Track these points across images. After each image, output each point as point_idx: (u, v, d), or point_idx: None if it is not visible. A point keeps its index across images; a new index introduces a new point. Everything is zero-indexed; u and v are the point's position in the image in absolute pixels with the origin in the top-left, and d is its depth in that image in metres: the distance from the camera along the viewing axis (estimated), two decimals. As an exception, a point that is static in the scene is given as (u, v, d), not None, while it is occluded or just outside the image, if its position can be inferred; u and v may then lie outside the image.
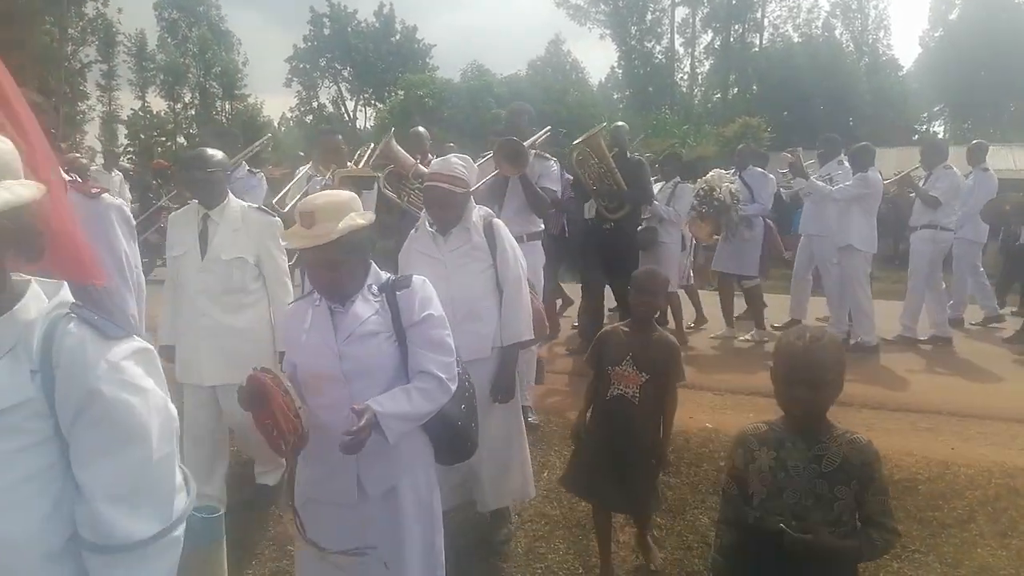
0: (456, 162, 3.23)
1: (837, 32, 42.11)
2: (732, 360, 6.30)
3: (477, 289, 3.28)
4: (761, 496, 2.09)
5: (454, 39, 68.65)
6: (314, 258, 2.19)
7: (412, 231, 3.48)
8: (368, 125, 41.37)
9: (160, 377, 1.35)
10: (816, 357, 2.00)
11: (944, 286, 7.28)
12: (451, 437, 2.47)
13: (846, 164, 6.92)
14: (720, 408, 5.02)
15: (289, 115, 49.85)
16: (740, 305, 7.25)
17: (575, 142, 5.84)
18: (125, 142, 39.93)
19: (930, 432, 4.66)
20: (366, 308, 2.28)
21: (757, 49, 42.51)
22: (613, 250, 5.84)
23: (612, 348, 3.23)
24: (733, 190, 6.67)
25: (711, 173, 6.91)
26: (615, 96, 44.45)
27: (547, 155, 4.98)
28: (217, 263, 3.48)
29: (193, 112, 44.42)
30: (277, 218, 3.69)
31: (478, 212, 3.35)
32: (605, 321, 6.01)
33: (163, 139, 40.66)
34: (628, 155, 6.07)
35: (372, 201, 5.03)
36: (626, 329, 3.29)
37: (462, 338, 2.96)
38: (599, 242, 5.95)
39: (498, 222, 3.40)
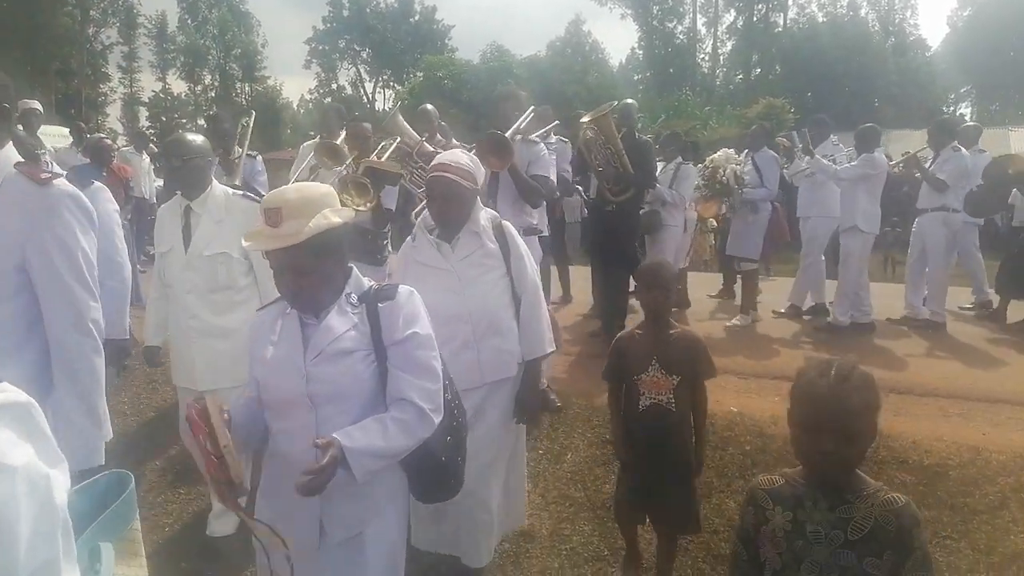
0: (463, 155, 2.95)
1: (863, 12, 41.52)
2: (757, 343, 6.22)
3: (495, 300, 2.94)
4: (775, 567, 1.75)
5: (473, 20, 68.31)
6: (281, 262, 1.90)
7: (408, 240, 3.10)
8: (387, 107, 41.31)
9: (41, 436, 0.92)
10: (846, 403, 1.61)
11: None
12: (433, 471, 2.14)
13: (841, 145, 6.98)
14: (745, 392, 4.97)
15: (308, 97, 49.93)
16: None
17: (583, 119, 5.60)
18: (146, 124, 40.24)
19: (961, 417, 4.58)
20: (342, 322, 1.97)
21: (781, 29, 41.95)
22: (614, 232, 5.72)
23: (633, 355, 2.97)
24: (739, 172, 6.53)
25: (719, 153, 6.80)
26: (635, 77, 44.14)
27: (535, 139, 4.59)
28: (200, 259, 3.18)
29: (213, 94, 44.69)
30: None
31: (486, 215, 3.01)
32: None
33: (183, 121, 40.92)
34: (636, 136, 5.89)
35: (393, 199, 4.82)
36: (641, 332, 3.02)
37: (486, 356, 2.90)
38: (600, 223, 5.83)
39: (508, 224, 3.05)
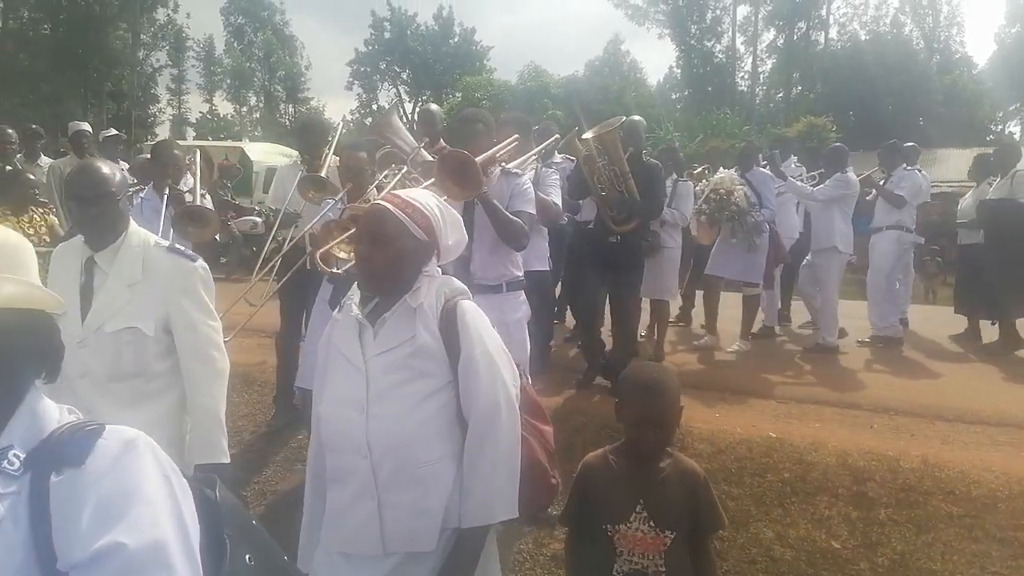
0: (430, 196, 2.09)
1: (907, 29, 40.77)
2: (795, 367, 6.10)
3: (415, 428, 1.91)
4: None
5: (512, 41, 69.13)
6: None
7: (336, 310, 2.17)
8: (426, 127, 41.74)
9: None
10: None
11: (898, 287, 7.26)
12: None
13: (794, 166, 7.19)
14: (784, 417, 4.85)
15: (349, 117, 50.83)
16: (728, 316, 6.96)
17: (584, 136, 4.98)
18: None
19: (1011, 447, 4.41)
20: None
21: (822, 47, 41.45)
22: (616, 268, 5.08)
23: (609, 495, 2.17)
24: (747, 194, 6.34)
25: (719, 174, 6.55)
26: (674, 96, 43.97)
27: (517, 171, 3.69)
28: (100, 336, 2.31)
29: (258, 115, 45.70)
30: (198, 262, 2.48)
31: (440, 287, 2.03)
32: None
33: (177, 141, 41.95)
34: (644, 158, 5.29)
35: None
36: (618, 459, 2.22)
37: (391, 514, 1.89)
38: (601, 257, 5.10)
39: (468, 307, 2.02)
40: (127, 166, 7.69)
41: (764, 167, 6.90)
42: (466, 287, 2.12)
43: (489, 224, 3.34)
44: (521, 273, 3.58)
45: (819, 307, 6.75)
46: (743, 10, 42.86)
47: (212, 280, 2.49)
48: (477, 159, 3.18)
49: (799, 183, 6.74)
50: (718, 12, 43.38)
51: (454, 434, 1.97)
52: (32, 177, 5.77)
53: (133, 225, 2.43)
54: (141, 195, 4.22)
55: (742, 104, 37.39)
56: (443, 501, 1.92)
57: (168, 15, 41.60)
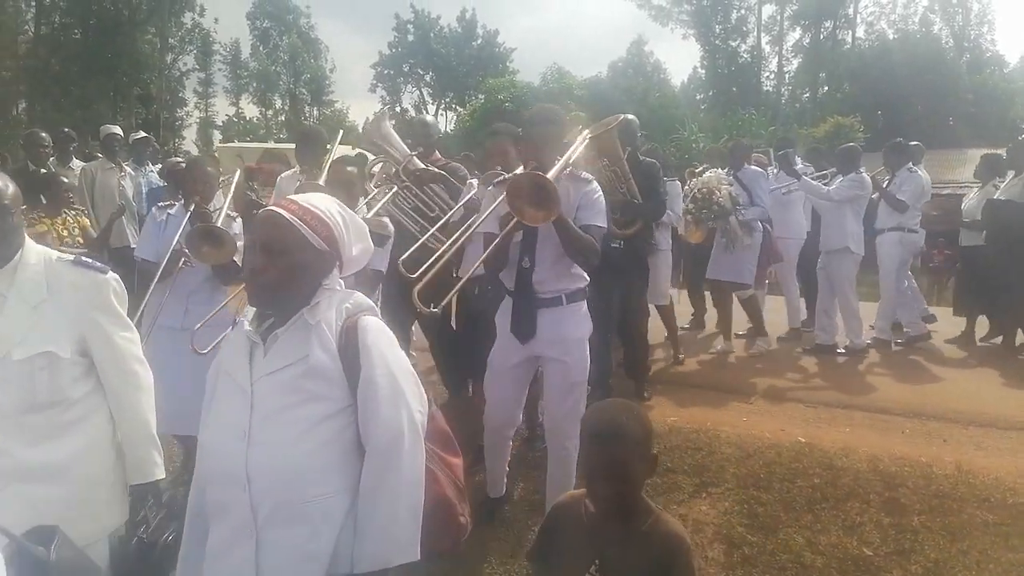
0: (330, 202, 1.87)
1: (936, 28, 40.13)
2: (824, 370, 6.02)
3: (304, 458, 1.69)
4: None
5: (535, 42, 69.15)
6: None
7: (230, 328, 1.93)
8: (448, 129, 41.90)
9: None
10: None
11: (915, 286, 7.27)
12: None
13: (802, 165, 7.09)
14: (813, 421, 4.79)
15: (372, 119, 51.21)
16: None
17: (581, 137, 4.96)
18: (220, 146, 41.84)
19: (1049, 453, 4.32)
20: None
21: (849, 46, 40.96)
22: (622, 273, 4.81)
23: (570, 544, 1.94)
24: (733, 193, 6.17)
25: (707, 174, 6.41)
26: (698, 96, 43.66)
27: (586, 176, 3.35)
28: (7, 365, 2.02)
29: (283, 118, 46.14)
30: (109, 274, 2.24)
31: (341, 302, 1.83)
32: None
33: (218, 143, 42.47)
34: (640, 157, 5.04)
35: (384, 259, 3.69)
36: (590, 508, 1.93)
37: (271, 558, 1.68)
38: (605, 264, 4.97)
39: (371, 323, 1.81)
40: (158, 168, 7.80)
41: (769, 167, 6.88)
42: (372, 303, 1.89)
43: (553, 234, 3.09)
44: (584, 284, 3.35)
45: (839, 310, 6.62)
46: (768, 9, 42.61)
47: (125, 292, 2.29)
48: (550, 173, 2.91)
49: (813, 182, 6.66)
50: (743, 11, 43.12)
51: (351, 465, 1.75)
52: (65, 180, 5.89)
53: (29, 241, 2.16)
54: (170, 211, 4.08)
55: (767, 104, 37.04)
56: (332, 542, 1.70)
57: (194, 19, 42.16)
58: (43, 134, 6.96)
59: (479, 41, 48.50)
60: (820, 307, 6.65)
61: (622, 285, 4.87)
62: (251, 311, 1.84)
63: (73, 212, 5.67)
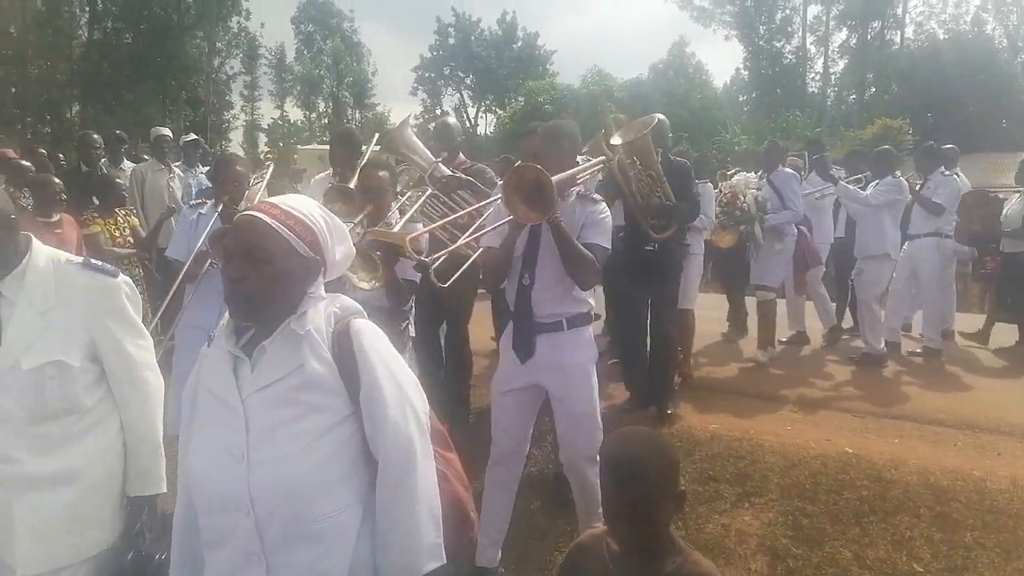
0: (310, 204, 1.74)
1: (989, 27, 38.99)
2: (871, 379, 5.86)
3: (309, 475, 1.58)
4: None
5: (575, 44, 69.03)
6: None
7: (205, 346, 1.79)
8: (488, 131, 42.08)
9: None
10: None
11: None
12: None
13: (835, 169, 6.95)
14: (861, 432, 4.67)
15: (413, 123, 51.58)
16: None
17: (613, 140, 4.49)
18: (265, 149, 42.65)
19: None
20: None
21: (897, 47, 40.02)
22: (655, 277, 4.69)
23: None
24: (759, 198, 6.02)
25: (735, 177, 6.28)
26: (740, 98, 43.12)
27: (595, 196, 3.28)
28: (16, 374, 1.95)
29: (326, 120, 46.79)
30: (120, 277, 2.15)
31: (328, 307, 1.72)
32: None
33: (299, 146, 43.10)
34: (672, 158, 4.91)
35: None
36: (613, 547, 1.78)
37: None
38: (639, 268, 4.69)
39: (363, 326, 1.70)
40: (207, 169, 7.97)
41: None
42: (359, 306, 1.79)
43: (555, 253, 3.01)
44: (587, 308, 3.21)
45: (862, 314, 6.48)
46: (813, 9, 41.77)
47: (138, 295, 2.21)
48: (554, 178, 2.80)
49: (850, 187, 6.51)
50: (787, 12, 42.44)
51: (359, 476, 1.66)
52: (118, 181, 6.04)
53: (37, 244, 2.08)
54: (201, 210, 4.05)
55: (813, 106, 36.40)
56: (347, 559, 1.61)
57: (240, 23, 42.96)
58: (95, 136, 7.15)
59: (519, 43, 48.59)
60: (861, 311, 6.49)
61: (654, 288, 4.76)
62: (227, 323, 1.71)
63: (123, 212, 5.82)
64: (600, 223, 3.13)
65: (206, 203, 4.11)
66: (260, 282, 1.59)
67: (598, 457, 2.60)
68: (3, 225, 1.96)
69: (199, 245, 3.82)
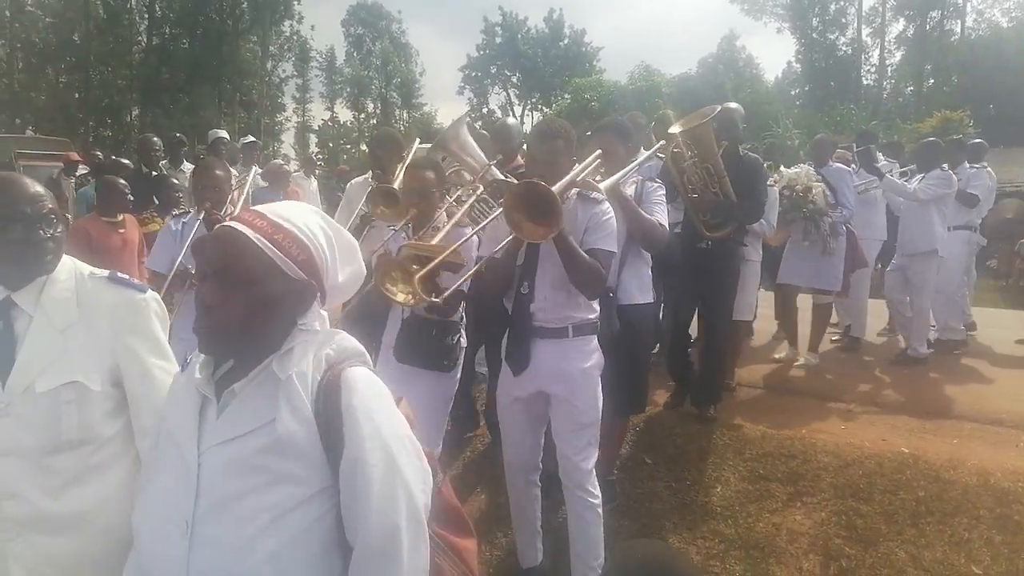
0: (307, 213, 1.43)
1: (1057, 14, 37.38)
2: (926, 378, 5.71)
3: (266, 561, 1.24)
4: None
5: (622, 40, 68.52)
6: None
7: (178, 369, 1.61)
8: (536, 129, 42.06)
9: None
10: None
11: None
12: None
13: (886, 162, 6.81)
14: (918, 431, 4.56)
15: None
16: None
17: (672, 130, 4.26)
18: (315, 150, 43.49)
19: None
20: None
21: (957, 37, 38.69)
22: (706, 277, 4.50)
23: None
24: (825, 192, 5.67)
25: (794, 169, 5.87)
26: (793, 92, 42.21)
27: (596, 196, 3.00)
28: (30, 398, 1.72)
29: (375, 121, 47.45)
30: (148, 293, 1.93)
31: (321, 347, 1.39)
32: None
33: (348, 147, 43.79)
34: (741, 152, 4.61)
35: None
36: None
37: None
38: (690, 265, 4.49)
39: (358, 377, 1.35)
40: (261, 171, 8.18)
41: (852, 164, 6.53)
42: (363, 349, 1.45)
43: (555, 260, 2.79)
44: (593, 315, 2.98)
45: (911, 315, 6.23)
46: (869, 1, 40.70)
47: (166, 313, 2.00)
48: (555, 188, 2.56)
49: (899, 181, 6.22)
50: (842, 3, 41.34)
51: (329, 566, 1.30)
52: (176, 182, 6.25)
53: (63, 257, 1.86)
54: (184, 220, 3.90)
55: (868, 99, 35.51)
56: None
57: (292, 26, 43.82)
58: (155, 139, 7.40)
59: (566, 41, 48.53)
60: (915, 312, 6.22)
61: (705, 288, 4.56)
62: (195, 363, 1.43)
63: (180, 212, 6.01)
64: (603, 225, 2.92)
65: (188, 212, 3.96)
66: (237, 310, 1.30)
67: (594, 474, 2.70)
68: (36, 217, 1.74)
69: (177, 262, 3.65)
